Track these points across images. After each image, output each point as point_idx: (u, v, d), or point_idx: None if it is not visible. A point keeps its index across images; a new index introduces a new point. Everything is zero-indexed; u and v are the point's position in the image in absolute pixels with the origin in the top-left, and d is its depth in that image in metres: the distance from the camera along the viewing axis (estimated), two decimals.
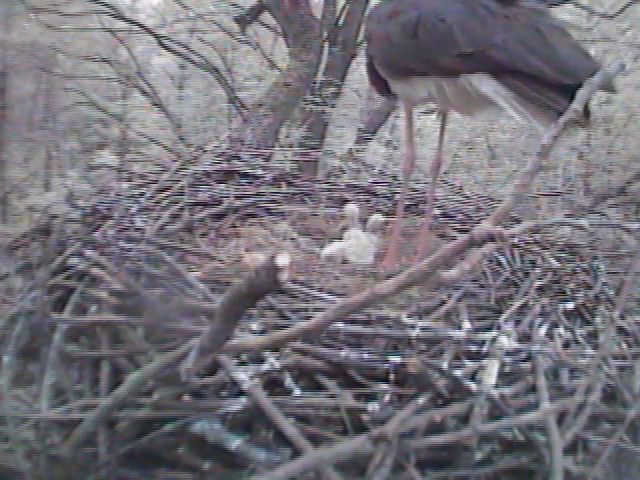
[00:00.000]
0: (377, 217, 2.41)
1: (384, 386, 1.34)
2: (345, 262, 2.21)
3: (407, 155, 2.18)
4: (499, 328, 1.58)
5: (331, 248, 2.24)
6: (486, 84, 1.69)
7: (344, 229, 2.36)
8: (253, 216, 2.59)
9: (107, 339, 1.49)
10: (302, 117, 6.14)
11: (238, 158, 3.06)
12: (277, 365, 1.33)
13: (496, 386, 1.36)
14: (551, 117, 1.58)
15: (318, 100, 5.99)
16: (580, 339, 1.71)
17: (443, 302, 1.72)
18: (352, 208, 2.38)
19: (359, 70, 7.19)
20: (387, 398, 1.32)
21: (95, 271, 1.70)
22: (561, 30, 1.66)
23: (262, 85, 7.63)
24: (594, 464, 1.34)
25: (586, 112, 1.62)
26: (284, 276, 0.94)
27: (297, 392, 1.31)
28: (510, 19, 1.65)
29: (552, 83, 1.57)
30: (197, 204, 2.49)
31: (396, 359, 1.37)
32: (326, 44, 5.71)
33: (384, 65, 2.07)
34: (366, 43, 2.20)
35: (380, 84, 2.22)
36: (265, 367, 1.32)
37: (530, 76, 1.60)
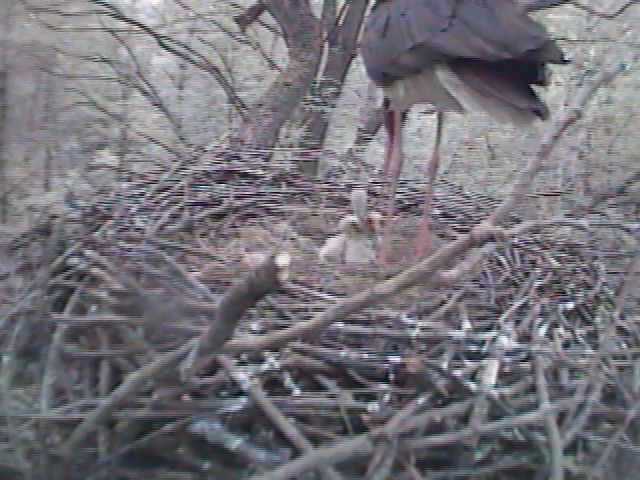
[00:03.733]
0: (348, 219, 2.36)
1: (384, 386, 1.34)
2: (343, 261, 2.21)
3: (396, 154, 2.18)
4: (499, 328, 1.58)
5: (327, 248, 2.24)
6: (442, 76, 1.60)
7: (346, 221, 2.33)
8: (253, 216, 2.60)
9: (107, 339, 1.49)
10: (302, 117, 6.13)
11: (238, 158, 3.07)
12: (277, 365, 1.33)
13: (496, 386, 1.36)
14: (505, 110, 1.49)
15: (318, 100, 5.98)
16: (580, 339, 1.71)
17: (443, 302, 1.72)
18: (359, 194, 2.33)
19: (359, 70, 7.19)
20: (387, 398, 1.32)
21: (95, 271, 1.70)
22: (510, 1, 1.54)
23: (262, 85, 7.63)
24: (594, 464, 1.34)
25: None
26: (284, 276, 0.94)
27: (297, 392, 1.31)
28: (460, 1, 1.53)
29: (493, 62, 1.44)
30: (197, 204, 2.49)
31: (396, 359, 1.37)
32: (326, 44, 5.70)
33: (368, 73, 2.07)
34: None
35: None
36: (265, 367, 1.32)
37: (476, 60, 1.47)
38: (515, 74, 1.47)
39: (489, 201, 3.04)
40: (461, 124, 7.48)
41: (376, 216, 2.39)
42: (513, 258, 2.22)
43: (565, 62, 1.45)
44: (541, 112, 1.47)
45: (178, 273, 1.68)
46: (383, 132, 7.35)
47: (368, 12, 2.15)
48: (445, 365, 1.38)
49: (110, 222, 2.08)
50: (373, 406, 1.27)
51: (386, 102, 2.39)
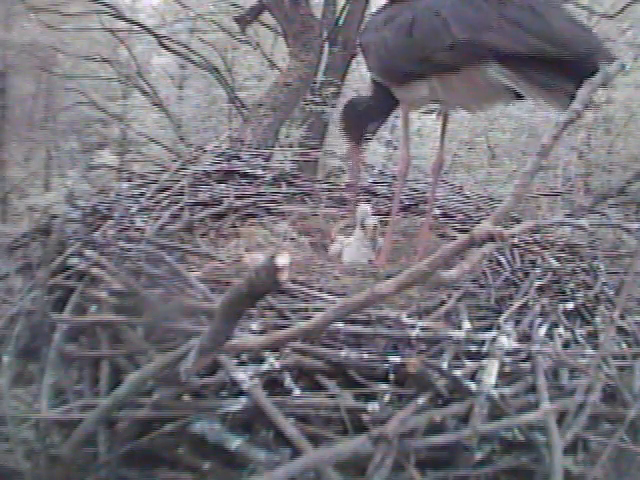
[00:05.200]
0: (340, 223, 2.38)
1: (384, 386, 1.34)
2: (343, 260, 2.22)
3: (403, 157, 2.18)
4: (499, 328, 1.58)
5: (337, 246, 2.25)
6: (492, 71, 1.64)
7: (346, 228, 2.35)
8: (253, 216, 2.60)
9: (107, 339, 1.49)
10: (302, 117, 6.13)
11: (238, 158, 3.07)
12: (277, 365, 1.33)
13: (496, 386, 1.36)
14: (560, 98, 1.55)
15: (318, 100, 5.98)
16: (580, 339, 1.71)
17: (443, 302, 1.72)
18: (364, 209, 2.37)
19: (359, 70, 7.19)
20: (387, 398, 1.32)
21: (95, 271, 1.70)
22: (555, 6, 1.62)
23: (262, 85, 7.63)
24: (594, 464, 1.34)
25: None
26: (284, 276, 0.94)
27: (297, 392, 1.31)
28: (503, 2, 1.60)
29: (553, 60, 1.52)
30: (197, 204, 2.49)
31: (396, 359, 1.37)
32: (326, 44, 5.70)
33: (382, 72, 2.05)
34: (364, 57, 2.16)
35: (355, 130, 2.31)
36: (265, 367, 1.32)
37: (531, 57, 1.55)
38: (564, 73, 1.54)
39: (489, 201, 3.04)
40: (461, 124, 7.48)
41: (372, 222, 2.38)
42: (513, 258, 2.22)
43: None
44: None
45: (178, 273, 1.68)
46: (383, 132, 7.36)
47: (370, 12, 2.16)
48: (445, 365, 1.37)
49: (110, 222, 2.08)
50: (373, 406, 1.27)
51: (351, 106, 2.40)
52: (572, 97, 1.47)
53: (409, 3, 1.83)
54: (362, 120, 2.40)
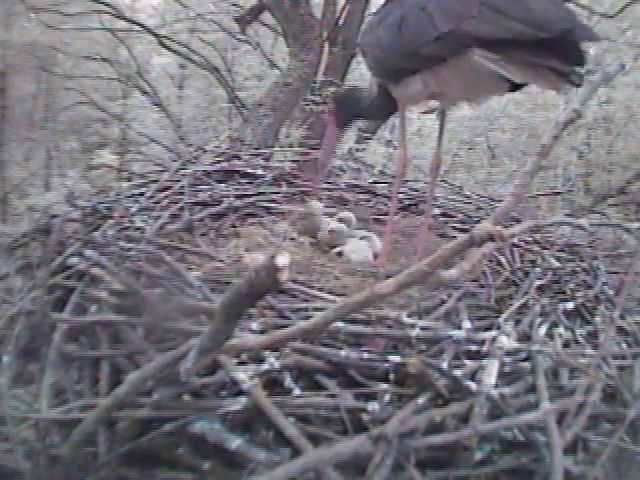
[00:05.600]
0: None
1: (384, 386, 1.34)
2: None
3: (400, 157, 2.19)
4: (499, 328, 1.58)
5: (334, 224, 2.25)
6: (477, 57, 1.65)
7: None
8: (253, 216, 2.59)
9: (107, 339, 1.49)
10: (302, 117, 6.12)
11: (238, 158, 3.06)
12: (277, 365, 1.33)
13: (496, 386, 1.36)
14: (547, 76, 1.58)
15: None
16: (580, 339, 1.71)
17: (443, 302, 1.72)
18: (349, 215, 2.39)
19: (359, 70, 7.18)
20: (387, 398, 1.32)
21: (95, 271, 1.70)
22: None
23: (262, 85, 7.62)
24: (594, 464, 1.34)
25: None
26: (284, 276, 0.94)
27: (297, 392, 1.31)
28: None
29: (533, 41, 1.53)
30: (197, 204, 2.49)
31: (396, 359, 1.37)
32: (326, 44, 5.70)
33: (379, 72, 2.07)
34: (363, 59, 2.18)
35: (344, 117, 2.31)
36: (265, 367, 1.32)
37: (512, 40, 1.56)
38: (548, 52, 1.55)
39: (489, 201, 3.04)
40: (461, 124, 7.47)
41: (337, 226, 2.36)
42: (513, 258, 2.22)
43: (596, 40, 1.58)
44: (577, 79, 1.58)
45: (178, 273, 1.68)
46: (383, 132, 7.36)
47: (370, 12, 2.17)
48: (445, 365, 1.37)
49: (110, 222, 2.08)
50: (373, 406, 1.27)
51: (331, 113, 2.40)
52: (560, 73, 1.54)
53: (400, 1, 1.85)
54: (354, 112, 2.40)
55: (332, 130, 2.44)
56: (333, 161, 2.55)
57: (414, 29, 1.74)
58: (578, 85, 1.59)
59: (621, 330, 1.84)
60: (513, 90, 1.85)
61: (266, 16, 6.15)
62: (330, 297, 1.67)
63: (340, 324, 1.44)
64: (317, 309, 1.56)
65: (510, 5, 1.57)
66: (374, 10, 2.50)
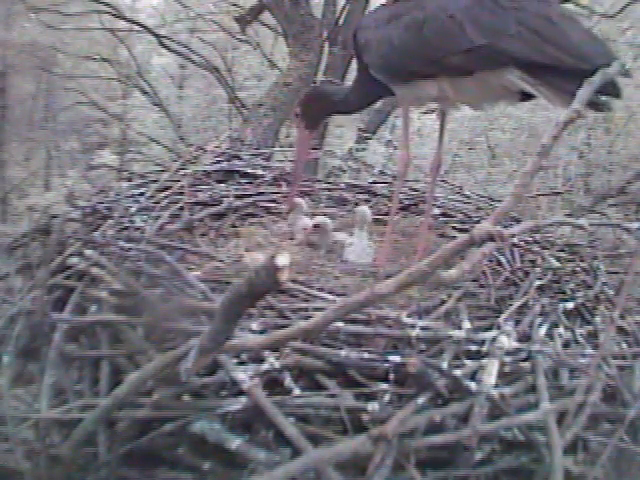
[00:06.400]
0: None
1: (384, 386, 1.34)
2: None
3: (402, 157, 2.18)
4: (499, 328, 1.58)
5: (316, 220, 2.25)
6: (512, 77, 1.65)
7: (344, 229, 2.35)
8: (253, 216, 2.59)
9: (107, 339, 1.49)
10: None
11: (238, 158, 3.06)
12: (277, 365, 1.33)
13: (496, 386, 1.36)
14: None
15: None
16: (580, 339, 1.71)
17: (443, 302, 1.72)
18: (364, 210, 2.35)
19: None
20: (387, 398, 1.32)
21: (95, 271, 1.70)
22: (571, 18, 1.65)
23: (262, 85, 7.63)
24: (594, 464, 1.34)
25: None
26: (284, 276, 0.94)
27: (297, 392, 1.31)
28: (520, 10, 1.62)
29: (569, 70, 1.54)
30: (197, 204, 2.49)
31: (396, 359, 1.37)
32: (326, 44, 5.70)
33: (383, 70, 2.03)
34: (360, 52, 2.12)
35: (313, 118, 2.30)
36: (265, 367, 1.32)
37: (547, 65, 1.57)
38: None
39: (489, 201, 3.04)
40: (461, 124, 7.47)
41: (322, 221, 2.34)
42: (513, 258, 2.22)
43: (628, 76, 1.65)
44: (605, 107, 1.64)
45: (178, 273, 1.68)
46: (383, 132, 7.36)
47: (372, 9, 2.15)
48: (445, 365, 1.37)
49: (110, 222, 2.08)
50: (373, 406, 1.27)
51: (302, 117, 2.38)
52: (593, 104, 1.56)
53: (416, 2, 1.83)
54: (325, 110, 2.38)
55: (302, 134, 2.41)
56: (305, 166, 2.51)
57: (441, 35, 1.72)
58: (604, 111, 1.65)
59: (621, 330, 1.84)
60: (524, 100, 1.86)
61: (266, 16, 6.15)
62: (330, 297, 1.67)
63: (340, 324, 1.44)
64: (317, 309, 1.56)
65: (548, 29, 1.58)
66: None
